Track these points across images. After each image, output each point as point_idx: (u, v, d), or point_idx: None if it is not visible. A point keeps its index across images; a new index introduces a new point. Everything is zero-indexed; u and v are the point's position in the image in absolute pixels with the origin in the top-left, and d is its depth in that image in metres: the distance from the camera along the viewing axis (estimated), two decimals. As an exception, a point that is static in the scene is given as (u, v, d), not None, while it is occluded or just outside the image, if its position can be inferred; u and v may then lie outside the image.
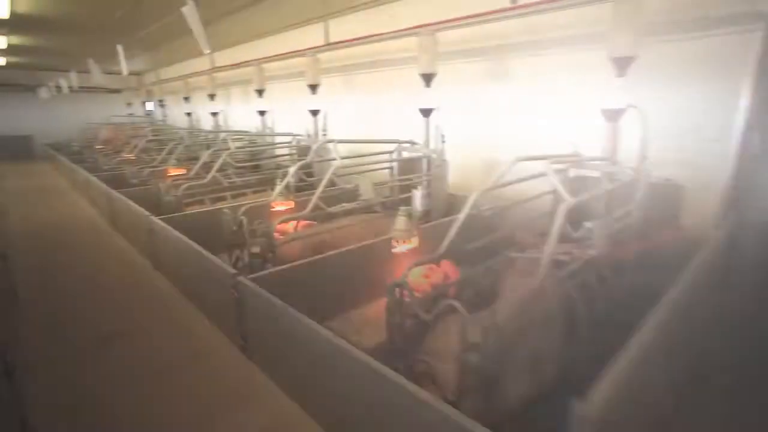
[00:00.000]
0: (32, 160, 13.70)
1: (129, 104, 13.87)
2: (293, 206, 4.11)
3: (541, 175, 3.17)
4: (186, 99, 9.74)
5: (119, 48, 6.65)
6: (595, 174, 3.41)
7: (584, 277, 2.51)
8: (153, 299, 3.65)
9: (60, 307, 3.53)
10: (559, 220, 2.20)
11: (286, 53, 6.62)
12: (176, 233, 3.50)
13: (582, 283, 2.47)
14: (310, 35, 7.02)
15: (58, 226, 5.99)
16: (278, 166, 6.48)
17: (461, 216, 2.57)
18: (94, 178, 6.41)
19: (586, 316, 2.41)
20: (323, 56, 6.19)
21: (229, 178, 5.49)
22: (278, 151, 6.76)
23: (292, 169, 4.21)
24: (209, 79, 8.46)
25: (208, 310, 3.29)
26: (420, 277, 3.07)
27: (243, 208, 3.47)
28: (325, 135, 6.07)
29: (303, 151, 6.28)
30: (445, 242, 2.57)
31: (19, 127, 14.07)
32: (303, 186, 5.06)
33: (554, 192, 3.41)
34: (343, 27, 6.34)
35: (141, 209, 4.35)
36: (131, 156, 8.05)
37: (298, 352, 2.28)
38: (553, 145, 3.83)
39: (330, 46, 5.98)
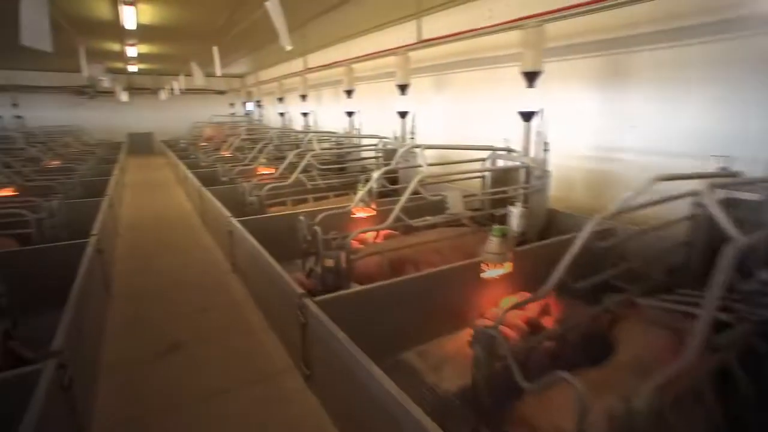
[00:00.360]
0: (151, 154, 15.29)
1: (231, 105, 14.85)
2: (374, 214, 3.86)
3: (689, 195, 2.50)
4: (280, 100, 10.05)
5: (215, 50, 6.93)
6: (754, 197, 2.64)
7: (749, 346, 1.83)
8: (225, 306, 3.57)
9: (137, 308, 3.59)
10: (725, 265, 1.59)
11: (377, 52, 6.40)
12: (250, 238, 3.38)
13: (745, 354, 1.81)
14: (401, 34, 6.74)
15: (157, 219, 6.38)
16: (363, 169, 6.28)
17: (576, 246, 2.04)
18: (190, 174, 6.74)
19: (751, 397, 1.75)
20: (413, 56, 5.86)
21: (313, 180, 5.38)
22: (363, 154, 6.56)
23: (375, 175, 3.94)
24: (301, 80, 8.59)
25: (277, 326, 3.10)
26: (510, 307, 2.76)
27: (319, 216, 3.24)
28: (412, 138, 5.72)
29: (389, 154, 6.00)
30: (553, 279, 2.05)
31: (144, 125, 15.78)
32: (386, 192, 4.77)
33: (694, 218, 2.69)
34: (436, 24, 5.95)
35: (223, 209, 4.36)
36: (227, 153, 8.44)
37: (357, 395, 1.94)
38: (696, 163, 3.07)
39: (423, 43, 5.63)
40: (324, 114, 9.56)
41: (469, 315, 2.77)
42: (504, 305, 2.91)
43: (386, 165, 5.38)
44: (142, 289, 3.92)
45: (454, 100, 6.17)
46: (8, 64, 12.28)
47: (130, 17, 6.43)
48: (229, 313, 3.45)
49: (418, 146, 3.83)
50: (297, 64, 10.83)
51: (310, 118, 9.19)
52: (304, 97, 8.67)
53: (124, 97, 13.73)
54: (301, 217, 3.19)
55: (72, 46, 8.47)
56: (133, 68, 12.26)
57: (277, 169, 6.63)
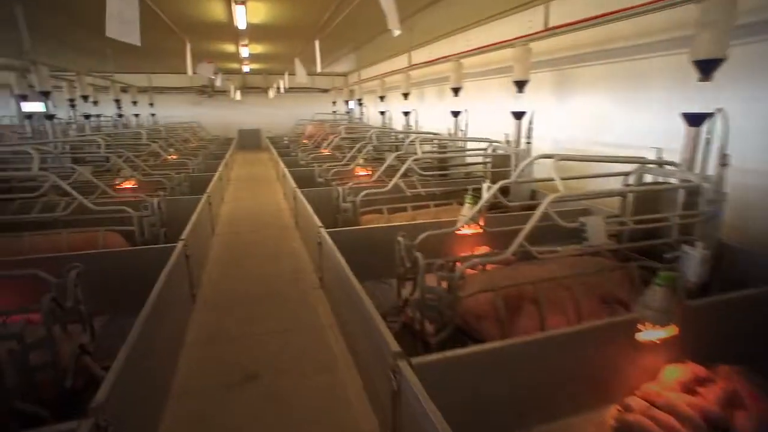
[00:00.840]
0: (258, 150, 16.15)
1: (334, 103, 15.02)
2: (481, 233, 3.20)
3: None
4: (381, 98, 9.74)
5: (315, 44, 6.74)
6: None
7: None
8: (308, 329, 3.20)
9: (218, 321, 3.36)
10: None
11: (491, 45, 5.66)
12: (339, 257, 2.93)
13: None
14: (518, 24, 5.92)
15: (253, 217, 6.37)
16: (467, 176, 5.61)
17: None
18: (288, 173, 6.64)
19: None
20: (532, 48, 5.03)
21: (413, 187, 4.86)
22: (470, 159, 5.89)
23: (487, 187, 3.29)
24: (404, 77, 8.13)
25: (364, 373, 2.60)
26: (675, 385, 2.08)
27: (420, 236, 2.69)
28: (528, 143, 4.91)
29: (499, 161, 5.26)
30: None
31: (253, 121, 16.73)
32: (496, 203, 4.03)
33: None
34: (563, 8, 5.05)
35: (314, 217, 4.01)
36: (326, 151, 8.32)
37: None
38: None
39: (549, 31, 4.77)
40: (426, 113, 9.03)
41: (615, 388, 2.21)
42: (667, 379, 2.23)
43: (495, 172, 4.92)
44: (227, 297, 3.73)
45: (583, 98, 5.21)
46: (149, 68, 13.69)
47: (241, 16, 6.50)
48: (312, 338, 3.06)
49: (548, 156, 3.04)
50: (400, 62, 10.43)
51: (411, 118, 8.71)
52: (406, 95, 8.21)
53: (237, 95, 14.59)
54: (400, 238, 2.66)
55: (183, 48, 9.04)
56: (245, 68, 12.92)
57: (375, 170, 6.27)
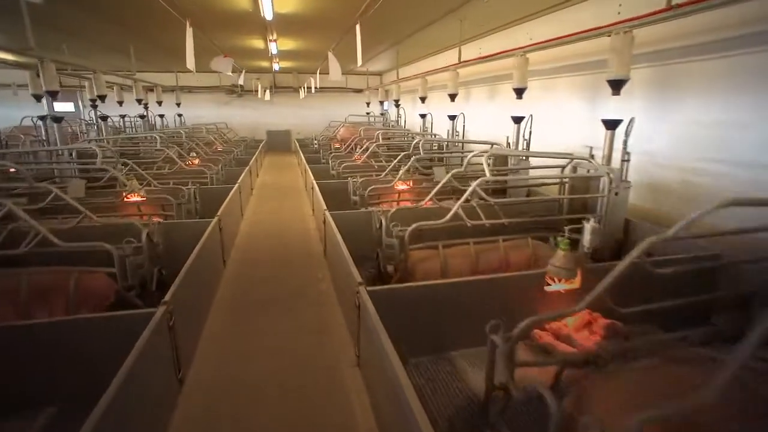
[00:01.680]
0: (288, 152, 15.40)
1: (367, 104, 14.06)
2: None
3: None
4: (422, 99, 8.69)
5: (357, 29, 5.76)
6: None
7: None
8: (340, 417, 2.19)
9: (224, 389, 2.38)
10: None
11: (572, 35, 4.52)
12: (386, 343, 1.90)
13: None
14: (600, 10, 4.77)
15: (275, 242, 5.45)
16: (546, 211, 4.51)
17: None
18: (316, 188, 5.70)
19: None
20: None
21: (475, 216, 3.79)
22: (541, 177, 4.76)
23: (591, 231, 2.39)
24: (452, 75, 7.05)
25: None
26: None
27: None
28: (626, 161, 3.76)
29: (580, 183, 4.16)
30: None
31: (283, 122, 16.00)
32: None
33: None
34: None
35: (352, 267, 2.88)
36: (359, 159, 7.35)
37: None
38: None
39: (662, 13, 3.59)
40: (475, 117, 7.91)
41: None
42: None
43: (575, 199, 3.94)
44: (218, 398, 2.50)
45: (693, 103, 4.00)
46: (175, 67, 13.12)
47: (267, 4, 5.60)
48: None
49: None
50: (445, 58, 9.36)
51: (459, 122, 7.62)
52: (453, 96, 7.13)
53: (265, 95, 13.86)
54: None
55: (208, 45, 8.26)
56: (275, 66, 12.14)
57: (416, 183, 5.25)
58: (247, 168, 7.53)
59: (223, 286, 4.04)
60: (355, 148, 8.89)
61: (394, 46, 9.29)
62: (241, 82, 8.34)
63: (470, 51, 8.17)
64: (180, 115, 13.13)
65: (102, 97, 7.33)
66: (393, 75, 13.73)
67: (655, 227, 3.58)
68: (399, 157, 5.53)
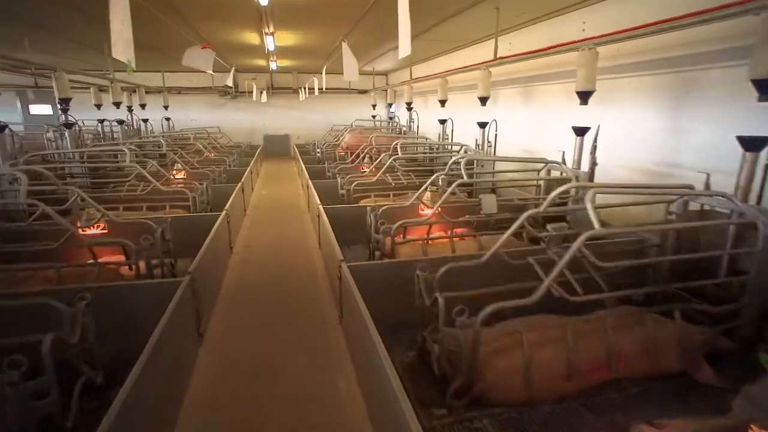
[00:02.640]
0: (287, 158, 14.22)
1: (374, 106, 12.88)
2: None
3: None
4: (442, 103, 7.52)
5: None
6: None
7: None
8: None
9: None
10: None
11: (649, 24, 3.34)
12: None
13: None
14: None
15: (271, 285, 4.28)
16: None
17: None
18: (324, 217, 4.53)
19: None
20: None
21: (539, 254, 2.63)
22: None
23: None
24: (483, 75, 5.88)
25: None
26: None
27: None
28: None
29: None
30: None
31: (281, 126, 14.82)
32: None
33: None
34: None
35: (378, 344, 1.99)
36: (372, 175, 6.18)
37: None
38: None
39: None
40: (508, 125, 6.73)
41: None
42: None
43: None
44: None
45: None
46: (162, 66, 11.92)
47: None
48: None
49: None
50: (468, 55, 8.20)
51: (488, 130, 6.44)
52: (484, 100, 5.97)
53: (262, 97, 12.67)
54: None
55: (196, 40, 7.09)
56: (273, 65, 10.96)
57: (451, 212, 4.09)
58: (239, 185, 6.34)
59: (202, 352, 2.86)
60: (363, 158, 7.72)
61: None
62: (229, 82, 7.15)
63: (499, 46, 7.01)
64: (168, 119, 11.94)
65: (66, 100, 6.13)
66: (401, 75, 12.58)
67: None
68: (431, 179, 4.34)
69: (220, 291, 4.16)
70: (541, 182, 4.69)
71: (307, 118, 14.81)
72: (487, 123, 6.26)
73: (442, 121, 7.81)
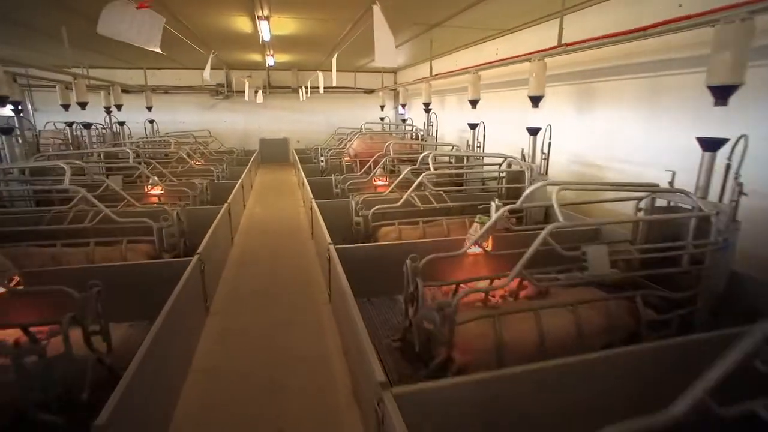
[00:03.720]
0: (285, 164, 12.93)
1: (382, 107, 11.56)
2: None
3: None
4: (473, 104, 6.21)
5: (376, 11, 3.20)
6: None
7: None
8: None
9: None
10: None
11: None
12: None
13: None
14: None
15: (261, 365, 2.96)
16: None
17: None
18: (335, 256, 3.24)
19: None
20: None
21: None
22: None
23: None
24: (538, 68, 4.57)
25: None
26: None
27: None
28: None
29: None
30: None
31: (279, 129, 13.50)
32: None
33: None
34: None
35: None
36: (389, 194, 4.89)
37: None
38: None
39: None
40: (562, 131, 5.43)
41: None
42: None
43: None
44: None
45: None
46: (144, 63, 10.59)
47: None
48: None
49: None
50: (507, 45, 6.93)
51: (535, 138, 5.14)
52: (537, 100, 4.67)
53: (257, 97, 11.34)
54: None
55: (178, 28, 5.77)
56: (269, 60, 9.63)
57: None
58: (225, 208, 5.01)
59: None
60: (377, 170, 6.40)
61: (428, 31, 6.82)
62: (206, 75, 5.80)
63: (531, 36, 5.73)
64: (152, 122, 10.61)
65: (2, 99, 4.81)
66: (412, 72, 11.28)
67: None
68: (494, 217, 3.03)
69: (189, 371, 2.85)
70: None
71: (307, 120, 13.48)
72: (539, 129, 4.96)
73: (473, 126, 6.49)
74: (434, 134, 8.44)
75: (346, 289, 2.75)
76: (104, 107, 8.86)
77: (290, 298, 4.01)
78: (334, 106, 13.42)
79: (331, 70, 7.77)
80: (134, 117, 11.04)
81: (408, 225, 4.43)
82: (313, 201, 5.15)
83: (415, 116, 10.21)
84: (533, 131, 4.98)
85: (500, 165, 5.28)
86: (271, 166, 12.75)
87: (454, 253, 2.88)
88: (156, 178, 6.21)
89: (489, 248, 3.14)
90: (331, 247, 3.52)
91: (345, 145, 8.82)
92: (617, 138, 4.69)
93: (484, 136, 6.50)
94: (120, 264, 3.47)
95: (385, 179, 6.44)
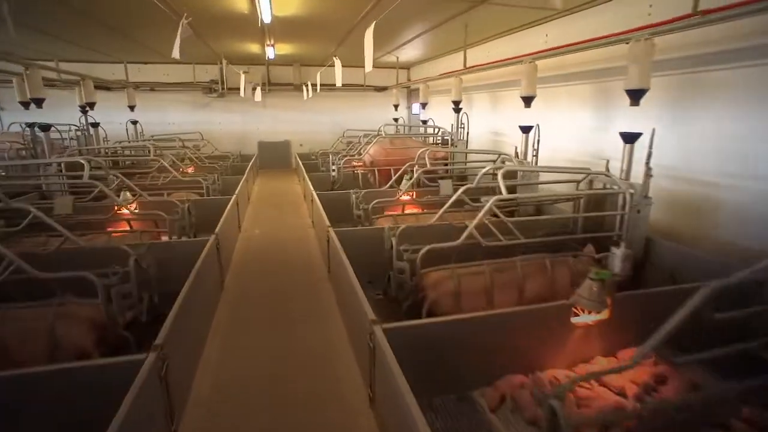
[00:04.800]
0: (286, 170, 11.65)
1: (396, 107, 10.25)
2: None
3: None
4: (527, 101, 4.93)
5: None
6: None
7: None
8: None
9: None
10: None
11: None
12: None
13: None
14: None
15: None
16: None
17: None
18: (381, 339, 1.95)
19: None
20: None
21: None
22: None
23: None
24: (643, 50, 3.28)
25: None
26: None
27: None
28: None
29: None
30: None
31: (280, 131, 12.18)
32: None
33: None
34: None
35: None
36: (414, 209, 3.60)
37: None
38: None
39: None
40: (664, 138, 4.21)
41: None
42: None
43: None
44: None
45: None
46: (124, 56, 9.28)
47: None
48: None
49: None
50: (539, 34, 5.69)
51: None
52: (638, 96, 3.39)
53: (255, 95, 10.05)
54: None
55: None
56: (269, 52, 8.32)
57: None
58: (212, 242, 3.69)
59: None
60: (409, 182, 5.11)
61: (467, 12, 5.53)
62: (175, 53, 4.47)
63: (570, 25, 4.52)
64: (134, 123, 9.29)
65: None
66: (430, 67, 9.97)
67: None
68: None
69: None
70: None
71: (311, 121, 12.17)
72: (638, 135, 3.67)
73: (526, 129, 5.19)
74: (465, 138, 7.14)
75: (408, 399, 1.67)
76: (79, 106, 7.56)
77: (307, 407, 2.64)
78: (341, 105, 12.13)
79: (338, 67, 6.56)
80: (115, 117, 9.77)
81: (467, 269, 3.13)
82: (331, 231, 3.84)
83: (437, 117, 8.92)
84: (631, 137, 3.61)
85: (579, 182, 3.99)
86: (270, 172, 11.45)
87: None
88: (128, 194, 4.91)
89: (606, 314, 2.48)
90: (374, 325, 2.18)
91: (359, 150, 7.53)
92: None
93: (538, 141, 5.22)
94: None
95: (412, 195, 5.17)
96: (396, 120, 10.18)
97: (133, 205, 4.82)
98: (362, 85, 11.18)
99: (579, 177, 3.99)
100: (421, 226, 3.49)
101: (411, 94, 12.54)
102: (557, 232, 3.70)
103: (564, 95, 5.61)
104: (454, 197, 3.50)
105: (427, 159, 4.95)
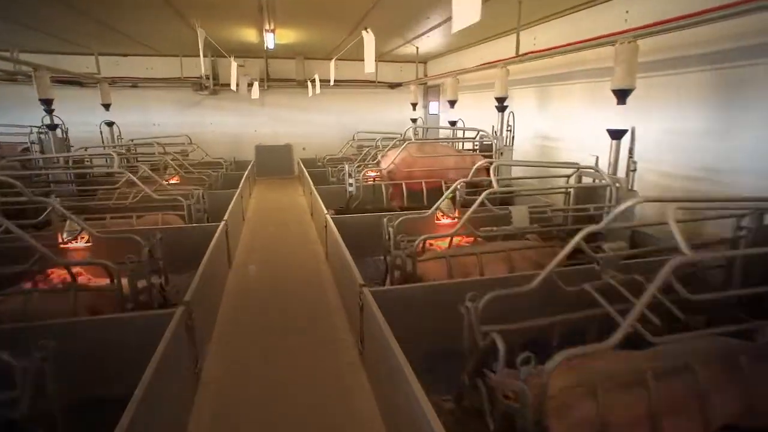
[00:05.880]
0: (287, 177, 10.31)
1: (413, 106, 8.88)
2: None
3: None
4: (621, 95, 3.57)
5: None
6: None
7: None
8: None
9: None
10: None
11: None
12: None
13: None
14: None
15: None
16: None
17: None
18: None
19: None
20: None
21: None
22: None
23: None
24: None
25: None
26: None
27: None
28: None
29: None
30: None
31: (281, 133, 10.81)
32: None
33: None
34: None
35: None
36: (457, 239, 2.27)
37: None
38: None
39: None
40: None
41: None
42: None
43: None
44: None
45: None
46: (95, 46, 7.89)
47: None
48: None
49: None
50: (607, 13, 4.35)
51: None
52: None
53: (253, 92, 8.68)
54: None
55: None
56: (269, 41, 6.97)
57: None
58: (179, 317, 2.32)
59: None
60: (453, 205, 3.76)
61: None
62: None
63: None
64: (110, 125, 7.89)
65: None
66: (457, 59, 8.58)
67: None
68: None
69: None
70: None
71: (315, 122, 10.81)
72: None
73: (617, 134, 3.83)
74: (510, 144, 5.78)
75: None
76: (40, 100, 6.17)
77: None
78: (349, 103, 10.76)
79: (343, 59, 5.23)
80: (88, 118, 8.38)
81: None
82: (366, 292, 2.49)
83: (466, 117, 7.54)
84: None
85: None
86: (270, 180, 10.10)
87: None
88: (81, 223, 3.53)
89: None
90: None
91: (376, 156, 6.18)
92: None
93: (631, 150, 3.87)
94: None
95: (455, 217, 3.82)
96: (414, 120, 8.82)
97: (80, 239, 3.47)
98: (373, 82, 9.82)
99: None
100: (520, 292, 2.10)
101: (428, 91, 11.18)
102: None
103: (660, 87, 4.25)
104: (571, 245, 2.16)
105: (492, 175, 3.60)
